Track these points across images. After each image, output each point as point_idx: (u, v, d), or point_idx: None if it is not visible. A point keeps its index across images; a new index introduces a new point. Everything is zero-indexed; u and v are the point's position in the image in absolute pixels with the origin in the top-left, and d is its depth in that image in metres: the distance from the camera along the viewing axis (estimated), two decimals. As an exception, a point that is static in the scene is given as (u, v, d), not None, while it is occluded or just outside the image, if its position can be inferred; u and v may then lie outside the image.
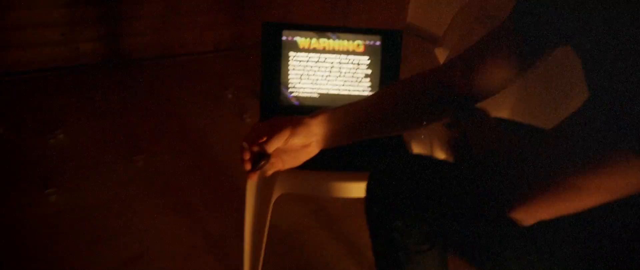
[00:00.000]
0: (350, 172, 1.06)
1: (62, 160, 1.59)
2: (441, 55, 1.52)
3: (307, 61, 1.10)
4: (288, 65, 1.10)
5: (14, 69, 1.96)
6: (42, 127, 1.70)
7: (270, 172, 0.77)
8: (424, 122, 0.82)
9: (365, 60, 1.11)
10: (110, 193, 1.50)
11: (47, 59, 2.00)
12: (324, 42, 1.10)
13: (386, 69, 1.12)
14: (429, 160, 0.84)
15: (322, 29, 1.09)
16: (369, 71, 1.12)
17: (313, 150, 0.79)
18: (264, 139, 0.75)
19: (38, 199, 1.44)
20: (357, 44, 1.10)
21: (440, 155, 1.10)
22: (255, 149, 0.74)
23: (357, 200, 1.58)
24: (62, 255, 1.29)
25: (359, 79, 1.12)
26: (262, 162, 0.74)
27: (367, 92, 1.13)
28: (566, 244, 0.71)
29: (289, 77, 1.10)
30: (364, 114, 0.81)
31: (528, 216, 0.62)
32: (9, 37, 1.90)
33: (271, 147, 0.74)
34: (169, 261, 1.31)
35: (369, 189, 0.86)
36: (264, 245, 1.16)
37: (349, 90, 1.13)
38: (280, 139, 0.74)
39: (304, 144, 0.77)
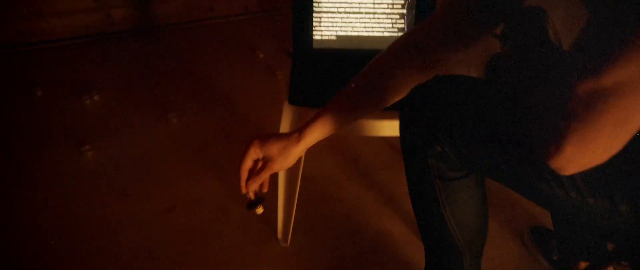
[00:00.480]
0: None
1: (97, 120, 1.62)
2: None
3: (340, 3, 1.06)
4: (320, 8, 1.06)
5: (49, 36, 1.99)
6: (77, 90, 1.72)
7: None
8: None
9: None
10: (143, 150, 1.52)
11: (81, 26, 2.02)
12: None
13: (421, 8, 1.07)
14: (465, 80, 0.79)
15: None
16: (404, 11, 1.07)
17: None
18: (260, 165, 0.79)
19: (74, 155, 1.47)
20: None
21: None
22: (253, 190, 0.81)
23: (392, 151, 1.57)
24: (96, 207, 1.32)
25: (394, 20, 1.08)
26: (259, 207, 0.83)
27: (402, 33, 1.09)
28: (608, 180, 0.67)
29: (322, 21, 1.07)
30: (348, 113, 0.79)
31: (566, 162, 0.55)
32: (44, 7, 1.94)
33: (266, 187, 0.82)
34: (199, 214, 1.32)
35: (402, 114, 0.83)
36: (296, 197, 1.15)
37: (383, 32, 1.08)
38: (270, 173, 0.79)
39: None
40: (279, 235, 1.25)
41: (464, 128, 0.76)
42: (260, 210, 0.84)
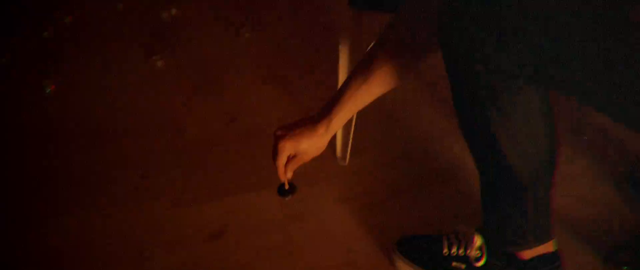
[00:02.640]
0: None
1: (172, 32, 1.62)
2: None
3: None
4: None
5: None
6: (155, 3, 1.73)
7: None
8: None
9: None
10: (211, 59, 1.51)
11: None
12: None
13: None
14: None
15: None
16: None
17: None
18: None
19: (145, 63, 1.49)
20: None
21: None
22: (289, 177, 0.83)
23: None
24: (163, 106, 1.36)
25: None
26: (289, 196, 0.85)
27: None
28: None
29: None
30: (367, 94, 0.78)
31: None
32: None
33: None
34: (260, 123, 1.29)
35: (441, 12, 0.67)
36: (354, 117, 1.07)
37: None
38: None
39: None
40: (338, 153, 1.18)
41: (516, 20, 0.61)
42: (289, 198, 0.87)
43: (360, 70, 0.78)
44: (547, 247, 0.88)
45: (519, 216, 0.83)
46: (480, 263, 0.87)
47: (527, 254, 0.87)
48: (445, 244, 0.90)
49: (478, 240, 0.88)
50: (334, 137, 1.16)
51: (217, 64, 1.49)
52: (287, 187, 0.85)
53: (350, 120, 1.12)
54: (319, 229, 1.04)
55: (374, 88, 0.77)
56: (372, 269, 0.95)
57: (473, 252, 0.88)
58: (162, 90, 1.41)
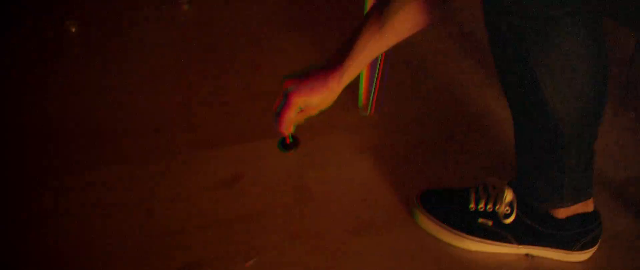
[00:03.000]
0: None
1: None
2: None
3: None
4: None
5: None
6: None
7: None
8: None
9: None
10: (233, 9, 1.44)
11: None
12: None
13: None
14: None
15: None
16: None
17: None
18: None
19: (173, 10, 1.45)
20: None
21: None
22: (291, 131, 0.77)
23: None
24: (192, 55, 1.30)
25: None
26: (293, 150, 0.80)
27: None
28: None
29: None
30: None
31: None
32: None
33: None
34: (278, 76, 1.21)
35: None
36: (381, 65, 1.00)
37: None
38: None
39: None
40: (361, 102, 1.11)
41: None
42: (292, 152, 0.82)
43: (374, 16, 0.69)
44: (586, 206, 0.80)
45: (557, 170, 0.75)
46: (510, 220, 0.80)
47: (563, 213, 0.80)
48: (473, 197, 0.83)
49: (509, 195, 0.80)
50: (357, 85, 1.09)
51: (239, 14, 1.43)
52: (289, 141, 0.80)
53: (375, 68, 1.05)
54: (336, 179, 0.97)
55: (388, 36, 0.70)
56: (391, 222, 0.89)
57: (503, 208, 0.81)
58: (188, 36, 1.36)
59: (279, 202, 0.93)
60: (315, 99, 0.71)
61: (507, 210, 0.80)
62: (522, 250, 0.83)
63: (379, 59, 1.04)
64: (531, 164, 0.78)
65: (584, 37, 0.63)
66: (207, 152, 1.02)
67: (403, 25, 0.69)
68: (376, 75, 1.05)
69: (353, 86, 1.17)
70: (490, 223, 0.82)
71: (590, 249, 0.82)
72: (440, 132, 1.08)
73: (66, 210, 0.89)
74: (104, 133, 1.06)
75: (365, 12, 0.99)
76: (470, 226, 0.83)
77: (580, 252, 0.81)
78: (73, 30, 1.34)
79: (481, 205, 0.82)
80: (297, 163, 1.00)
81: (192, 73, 1.24)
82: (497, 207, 0.81)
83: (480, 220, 0.82)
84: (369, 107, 1.09)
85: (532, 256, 0.83)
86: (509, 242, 0.82)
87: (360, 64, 0.71)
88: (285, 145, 0.81)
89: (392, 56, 1.02)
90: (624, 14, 0.78)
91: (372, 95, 1.08)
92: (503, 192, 0.81)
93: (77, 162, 0.99)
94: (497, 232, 0.82)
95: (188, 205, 0.91)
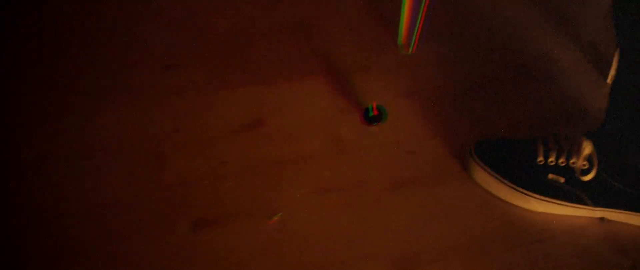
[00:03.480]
0: None
1: None
2: None
3: None
4: None
5: None
6: None
7: None
8: None
9: None
10: None
11: None
12: None
13: None
14: None
15: None
16: None
17: None
18: None
19: None
20: None
21: None
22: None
23: None
24: None
25: None
26: (376, 125, 0.80)
27: None
28: None
29: None
30: None
31: None
32: None
33: None
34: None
35: None
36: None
37: None
38: None
39: None
40: (401, 39, 0.97)
41: None
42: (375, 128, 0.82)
43: None
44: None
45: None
46: (589, 177, 0.67)
47: (655, 171, 0.66)
48: (541, 149, 0.69)
49: (588, 147, 0.66)
50: (392, 21, 0.94)
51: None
52: (375, 112, 0.78)
53: (418, 1, 0.90)
54: (374, 128, 0.84)
55: None
56: (440, 176, 0.76)
57: (580, 162, 0.67)
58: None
59: (306, 151, 0.80)
60: None
61: (585, 165, 0.67)
62: (598, 213, 0.69)
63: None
64: (624, 110, 0.63)
65: None
66: (226, 92, 0.89)
67: None
68: (422, 7, 0.90)
69: (388, 21, 1.03)
70: (562, 180, 0.68)
71: (683, 216, 0.68)
72: (491, 76, 0.93)
73: (65, 155, 0.77)
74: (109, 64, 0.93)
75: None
76: (537, 183, 0.69)
77: (670, 218, 0.68)
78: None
79: (551, 159, 0.68)
80: (328, 107, 0.86)
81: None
82: (571, 161, 0.67)
83: (550, 176, 0.69)
84: (412, 45, 0.95)
85: (608, 221, 0.70)
86: (584, 203, 0.68)
87: None
88: (369, 117, 0.79)
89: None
90: None
91: (415, 31, 0.93)
92: (580, 144, 0.67)
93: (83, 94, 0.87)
94: (570, 191, 0.68)
95: (202, 151, 0.79)
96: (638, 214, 0.68)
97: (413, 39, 0.94)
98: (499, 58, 0.96)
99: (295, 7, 1.06)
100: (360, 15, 1.06)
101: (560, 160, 0.68)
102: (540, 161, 0.69)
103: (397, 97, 0.89)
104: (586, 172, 0.66)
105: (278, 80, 0.91)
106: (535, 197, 0.69)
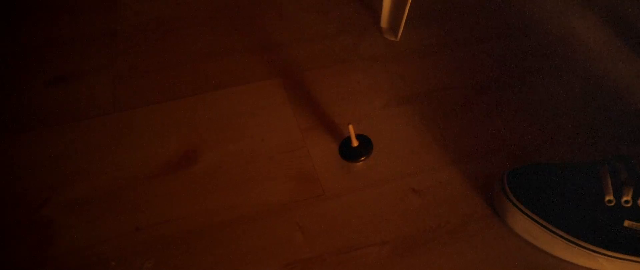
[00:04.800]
0: None
1: None
2: None
3: None
4: None
5: None
6: None
7: None
8: None
9: None
10: None
11: None
12: None
13: None
14: None
15: None
16: None
17: None
18: None
19: None
20: None
21: None
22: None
23: None
24: None
25: None
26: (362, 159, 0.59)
27: None
28: None
29: None
30: None
31: None
32: None
33: None
34: None
35: None
36: None
37: None
38: None
39: None
40: (384, 23, 0.73)
41: None
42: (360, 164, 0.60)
43: None
44: None
45: None
46: (688, 224, 0.45)
47: None
48: (609, 182, 0.47)
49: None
50: (377, 2, 0.71)
51: None
52: (355, 144, 0.58)
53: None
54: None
55: None
56: (459, 227, 0.53)
57: (674, 202, 0.45)
58: None
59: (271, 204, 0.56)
60: None
61: (679, 205, 0.45)
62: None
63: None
64: None
65: None
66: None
67: None
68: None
69: (375, 3, 0.79)
70: (644, 228, 0.46)
71: None
72: (508, 69, 0.70)
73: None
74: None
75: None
76: (608, 234, 0.47)
77: None
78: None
79: (626, 198, 0.46)
80: (289, 136, 0.63)
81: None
82: (659, 199, 0.45)
83: (626, 223, 0.47)
84: (399, 30, 0.71)
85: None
86: (674, 259, 0.47)
87: None
88: (348, 151, 0.59)
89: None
90: None
91: (403, 14, 0.69)
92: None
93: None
94: (655, 243, 0.46)
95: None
96: None
97: (401, 24, 0.71)
98: (507, 49, 0.73)
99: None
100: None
101: (639, 200, 0.46)
102: (610, 201, 0.47)
103: (384, 107, 0.65)
104: (684, 216, 0.45)
105: (292, 45, 0.67)
106: (605, 255, 0.47)
